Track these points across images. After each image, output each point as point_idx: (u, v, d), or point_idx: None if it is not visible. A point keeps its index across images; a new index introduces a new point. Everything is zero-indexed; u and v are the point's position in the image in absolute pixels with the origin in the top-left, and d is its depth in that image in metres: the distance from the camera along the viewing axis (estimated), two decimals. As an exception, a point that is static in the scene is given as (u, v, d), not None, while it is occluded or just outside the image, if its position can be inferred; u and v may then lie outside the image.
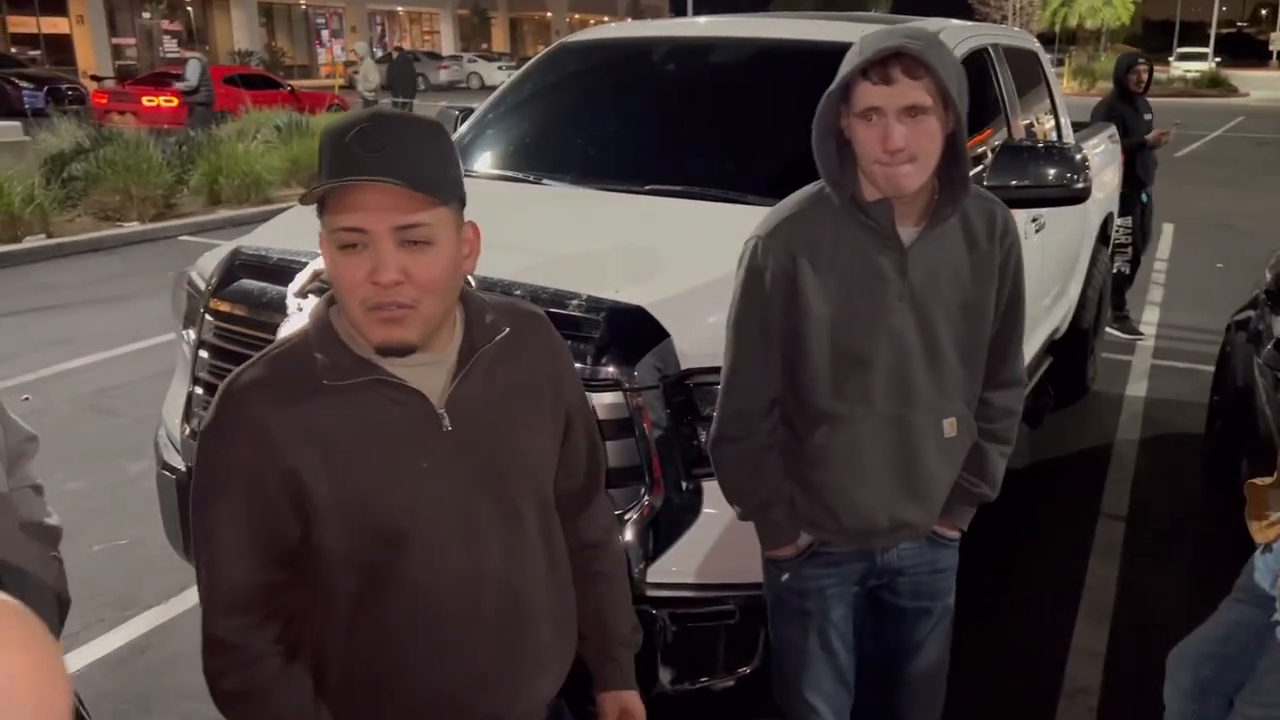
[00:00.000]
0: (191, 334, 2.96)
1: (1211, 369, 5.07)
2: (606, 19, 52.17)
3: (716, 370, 2.00)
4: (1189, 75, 44.48)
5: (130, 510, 4.20)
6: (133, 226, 10.24)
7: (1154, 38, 72.32)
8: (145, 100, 19.54)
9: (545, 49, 4.40)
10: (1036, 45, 5.18)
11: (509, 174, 3.61)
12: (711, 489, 2.30)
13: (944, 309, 1.85)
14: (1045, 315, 4.55)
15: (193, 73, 15.07)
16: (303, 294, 2.41)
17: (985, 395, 1.99)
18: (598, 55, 4.27)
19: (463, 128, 4.09)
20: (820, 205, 1.85)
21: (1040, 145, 3.41)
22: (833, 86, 1.73)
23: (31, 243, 9.29)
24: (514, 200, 3.38)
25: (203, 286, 2.90)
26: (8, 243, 9.16)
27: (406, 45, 46.54)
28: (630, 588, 2.29)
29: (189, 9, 39.23)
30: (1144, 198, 6.64)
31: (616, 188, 3.28)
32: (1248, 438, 4.12)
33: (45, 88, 22.73)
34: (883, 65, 1.67)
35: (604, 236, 2.98)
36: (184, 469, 2.93)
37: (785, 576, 2.05)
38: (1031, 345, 4.29)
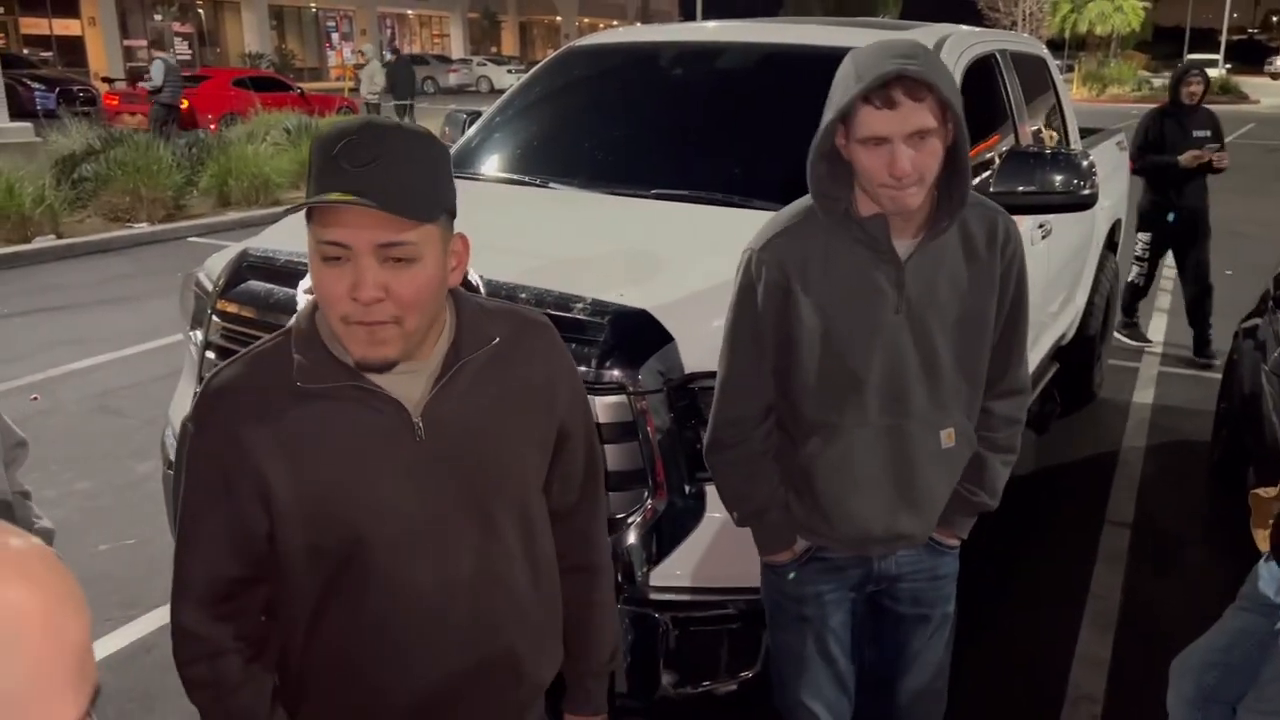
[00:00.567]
0: (199, 335, 2.98)
1: (1219, 376, 5.06)
2: (616, 23, 52.26)
3: (719, 373, 2.00)
4: (1199, 81, 44.24)
5: (137, 510, 4.22)
6: (142, 227, 10.29)
7: (1165, 44, 72.19)
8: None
9: (554, 52, 4.41)
10: (1044, 51, 5.18)
11: (516, 177, 3.62)
12: (714, 493, 2.30)
13: (941, 321, 1.84)
14: (1052, 322, 4.54)
15: (157, 73, 15.54)
16: (312, 291, 2.42)
17: (987, 404, 1.98)
18: (606, 59, 4.28)
19: (470, 130, 4.10)
20: (814, 218, 1.84)
21: (1047, 151, 3.41)
22: (834, 115, 1.70)
23: (41, 243, 9.34)
24: (521, 203, 3.39)
25: (210, 288, 2.91)
26: (18, 243, 9.21)
27: (416, 48, 46.71)
28: (635, 594, 2.32)
29: (200, 11, 39.38)
30: (1170, 217, 6.34)
31: (623, 191, 3.28)
32: (1254, 445, 4.11)
33: (57, 89, 22.85)
34: (884, 89, 1.63)
35: (610, 240, 2.98)
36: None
37: (782, 581, 2.06)
38: (1038, 352, 4.28)
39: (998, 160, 3.30)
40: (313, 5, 43.60)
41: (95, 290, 8.18)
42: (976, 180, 3.34)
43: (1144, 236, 6.45)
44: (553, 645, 1.55)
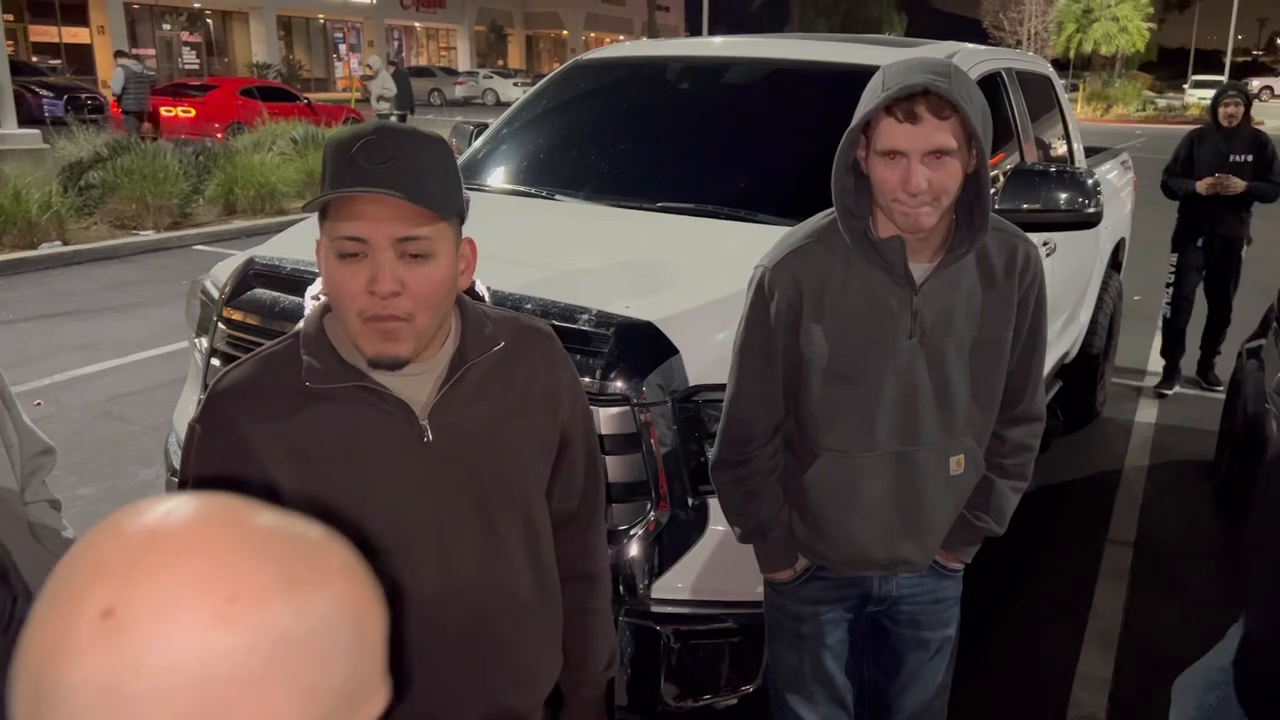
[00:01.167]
0: (204, 342, 2.98)
1: (1222, 396, 5.06)
2: (622, 38, 52.47)
3: (724, 387, 2.01)
4: (1204, 102, 44.49)
5: (139, 517, 4.21)
6: (148, 235, 10.32)
7: (1169, 65, 72.41)
8: (163, 110, 19.69)
9: (561, 66, 4.43)
10: (1050, 70, 5.20)
11: (522, 189, 3.64)
12: (717, 506, 2.30)
13: (957, 346, 1.81)
14: (1056, 340, 4.55)
15: (117, 81, 16.18)
16: (319, 297, 2.43)
17: (1000, 430, 1.95)
18: (613, 73, 4.30)
19: (477, 142, 4.12)
20: (830, 237, 1.81)
21: (1052, 169, 3.42)
22: (856, 122, 1.67)
23: (48, 249, 9.36)
24: (527, 215, 3.40)
25: (216, 295, 2.93)
26: (24, 249, 9.24)
27: (423, 60, 46.90)
28: (637, 607, 2.31)
29: (208, 21, 39.59)
30: (1198, 242, 6.01)
31: (629, 204, 3.30)
32: (1258, 466, 4.10)
33: (65, 96, 22.93)
34: (909, 102, 1.60)
35: (615, 252, 2.99)
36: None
37: (782, 598, 2.05)
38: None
39: (1003, 178, 3.31)
40: (321, 16, 43.82)
41: (100, 297, 8.20)
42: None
43: (1173, 258, 6.21)
44: (553, 654, 1.55)
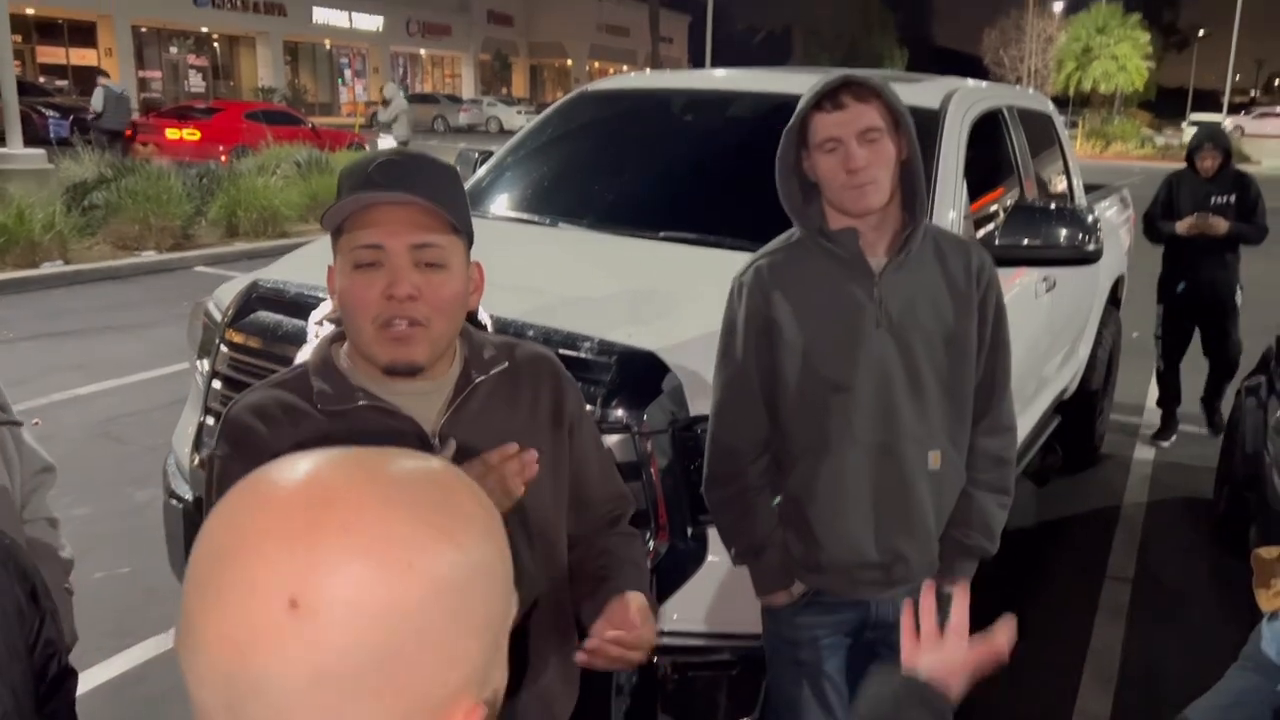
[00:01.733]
0: (205, 364, 2.98)
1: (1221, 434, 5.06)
2: (626, 68, 52.89)
3: (723, 416, 2.02)
4: (1202, 142, 44.71)
5: (135, 538, 4.20)
6: (150, 255, 10.34)
7: (1168, 104, 72.95)
8: (168, 132, 19.81)
9: (565, 95, 4.46)
10: (1050, 108, 5.24)
11: (526, 216, 3.65)
12: (716, 536, 2.29)
13: (924, 338, 1.89)
14: (1054, 375, 4.55)
15: (97, 100, 16.52)
16: (323, 323, 2.43)
17: (974, 442, 2.01)
18: (617, 103, 4.33)
19: (481, 170, 4.14)
20: (794, 244, 1.95)
21: (1052, 206, 3.44)
22: (791, 123, 1.85)
23: (49, 269, 9.38)
24: (530, 242, 3.41)
25: (219, 317, 2.93)
26: (27, 268, 9.26)
27: (428, 88, 47.21)
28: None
29: (215, 45, 39.90)
30: (1179, 287, 5.71)
31: (631, 233, 3.31)
32: (1257, 504, 4.10)
33: (70, 117, 23.07)
34: (834, 94, 1.80)
35: (617, 281, 3.00)
36: (191, 498, 2.94)
37: (779, 625, 2.06)
38: (1039, 405, 4.28)
39: (1003, 214, 3.33)
40: (327, 42, 44.17)
41: (101, 317, 8.20)
42: (981, 233, 3.38)
43: (1159, 309, 5.90)
44: (572, 682, 1.56)
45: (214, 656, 0.56)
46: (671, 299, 2.81)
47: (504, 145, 4.28)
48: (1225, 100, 52.64)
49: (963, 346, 1.93)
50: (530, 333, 2.42)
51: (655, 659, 2.30)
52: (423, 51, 50.48)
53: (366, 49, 46.07)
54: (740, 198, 3.53)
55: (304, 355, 2.33)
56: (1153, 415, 6.29)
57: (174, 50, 37.53)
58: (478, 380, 1.40)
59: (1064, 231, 3.15)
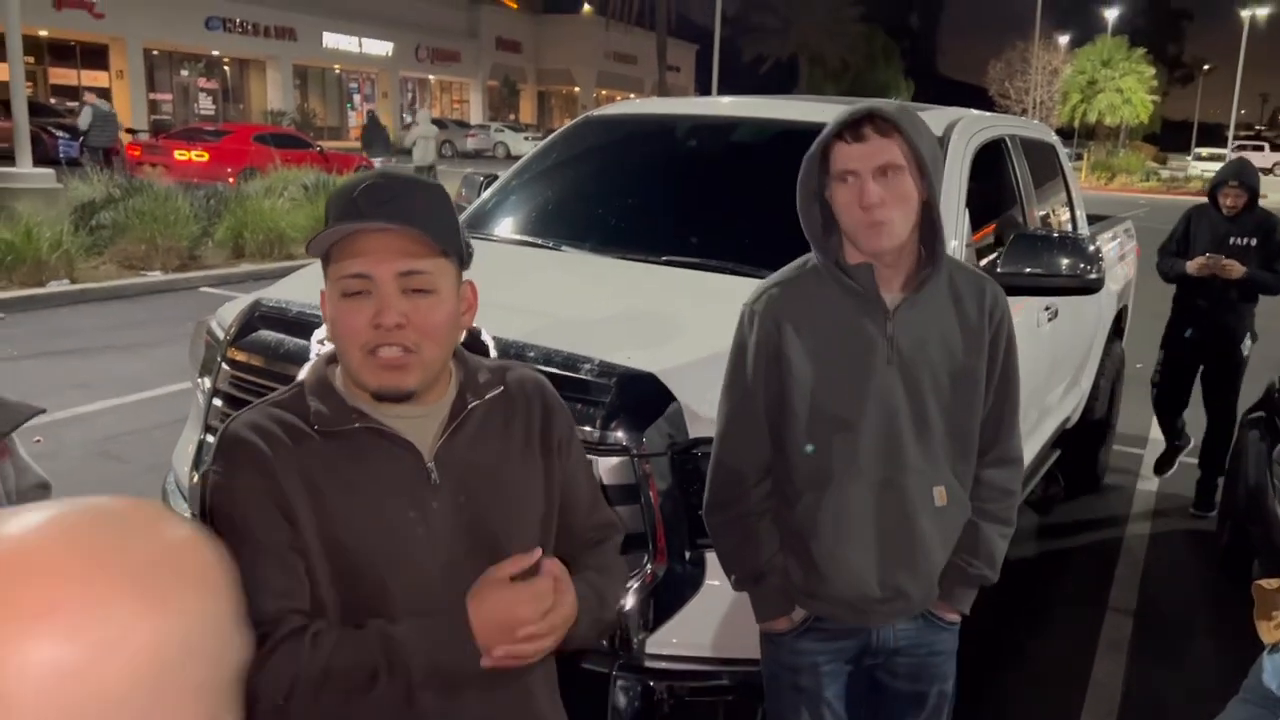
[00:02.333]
0: (207, 382, 2.99)
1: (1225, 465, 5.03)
2: (632, 95, 53.25)
3: (724, 440, 2.01)
4: (1206, 175, 45.03)
5: (132, 556, 4.19)
6: (155, 276, 10.38)
7: (1173, 137, 73.25)
8: (177, 154, 19.94)
9: (571, 121, 4.49)
10: (1054, 138, 5.26)
11: (529, 239, 3.67)
12: (714, 561, 2.28)
13: (932, 375, 1.88)
14: (1057, 405, 4.54)
15: (84, 119, 17.58)
16: (324, 342, 2.44)
17: (980, 473, 2.00)
18: (622, 129, 4.36)
19: (486, 193, 4.16)
20: (808, 273, 1.93)
21: (1055, 235, 3.45)
22: (812, 150, 1.84)
23: (56, 287, 9.42)
24: (532, 265, 3.43)
25: (221, 336, 2.94)
26: (33, 286, 9.30)
27: (437, 113, 47.53)
28: (631, 661, 2.28)
29: (225, 68, 40.22)
30: (1187, 332, 5.30)
31: (634, 257, 3.32)
32: (1260, 537, 4.08)
33: (80, 138, 23.24)
34: (856, 126, 1.77)
35: (619, 304, 3.01)
36: (190, 516, 2.94)
37: (779, 650, 2.04)
38: (1042, 434, 4.27)
39: (1005, 242, 3.34)
40: (336, 67, 44.50)
41: (105, 336, 8.23)
42: (984, 261, 3.38)
43: (1160, 353, 5.49)
44: (558, 709, 1.54)
45: None
46: (672, 322, 2.81)
47: (509, 169, 4.30)
48: (1230, 133, 52.82)
49: (971, 383, 1.92)
50: (531, 354, 2.42)
51: (652, 683, 2.29)
52: (431, 77, 50.84)
53: (376, 74, 46.42)
54: (741, 223, 3.55)
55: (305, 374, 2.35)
56: (1156, 446, 6.27)
57: (185, 73, 37.85)
58: (473, 405, 1.40)
59: (1065, 260, 3.16)
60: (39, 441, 5.47)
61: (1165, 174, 43.35)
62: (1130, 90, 58.26)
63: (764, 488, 1.98)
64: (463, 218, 3.77)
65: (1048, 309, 3.89)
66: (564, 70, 58.48)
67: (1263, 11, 49.63)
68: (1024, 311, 3.66)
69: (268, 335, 2.81)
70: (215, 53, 38.45)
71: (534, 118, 57.56)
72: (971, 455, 1.97)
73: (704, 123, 4.20)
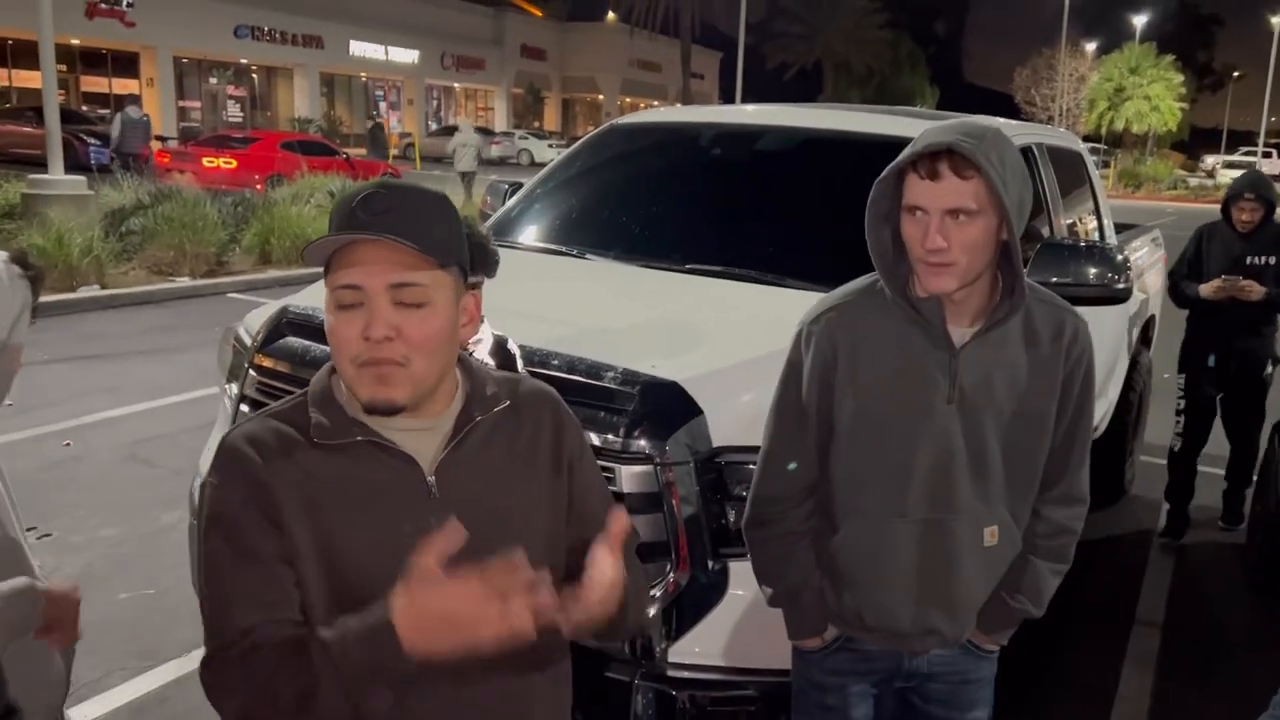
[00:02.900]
0: (234, 388, 3.02)
1: (1255, 478, 4.97)
2: (657, 103, 53.30)
3: (748, 449, 2.00)
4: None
5: (161, 560, 4.23)
6: (184, 281, 10.49)
7: (1202, 145, 72.54)
8: (205, 161, 20.14)
9: (595, 129, 4.50)
10: (1081, 146, 5.23)
11: (553, 247, 3.68)
12: (737, 570, 2.28)
13: (995, 415, 1.77)
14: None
15: (115, 128, 18.70)
16: None
17: (1041, 509, 1.91)
18: (647, 137, 4.36)
19: (511, 201, 4.18)
20: (872, 297, 1.81)
21: (1082, 244, 3.42)
22: (885, 173, 1.71)
23: (85, 292, 9.54)
24: (557, 273, 3.44)
25: (249, 342, 2.96)
26: (63, 291, 9.41)
27: (460, 118, 47.86)
28: (653, 670, 2.28)
29: (254, 76, 40.61)
30: (1210, 360, 4.96)
31: (658, 265, 3.33)
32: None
33: (111, 144, 23.52)
34: (931, 160, 1.63)
35: (643, 312, 3.01)
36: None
37: (809, 667, 2.01)
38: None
39: (1032, 251, 3.31)
40: (363, 75, 44.83)
41: (134, 340, 8.32)
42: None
43: (1181, 378, 5.11)
44: (564, 715, 1.53)
45: None
46: (696, 331, 2.81)
47: (534, 177, 4.32)
48: (1260, 140, 52.25)
49: (1039, 423, 1.81)
50: (555, 361, 2.43)
51: (674, 692, 2.29)
52: (457, 85, 51.11)
53: (401, 81, 46.72)
54: (767, 232, 3.54)
55: None
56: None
57: (213, 80, 38.22)
58: (478, 419, 1.38)
59: (1093, 270, 3.13)
60: (68, 444, 5.54)
61: (1194, 182, 42.88)
62: (1158, 97, 57.79)
63: (806, 508, 1.91)
64: (488, 225, 3.79)
65: (1074, 318, 3.85)
66: (588, 78, 58.64)
67: (1293, 18, 49.02)
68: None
69: (294, 342, 2.83)
70: (244, 61, 38.83)
71: (558, 125, 57.74)
72: (1031, 495, 1.88)
73: (730, 131, 4.20)
